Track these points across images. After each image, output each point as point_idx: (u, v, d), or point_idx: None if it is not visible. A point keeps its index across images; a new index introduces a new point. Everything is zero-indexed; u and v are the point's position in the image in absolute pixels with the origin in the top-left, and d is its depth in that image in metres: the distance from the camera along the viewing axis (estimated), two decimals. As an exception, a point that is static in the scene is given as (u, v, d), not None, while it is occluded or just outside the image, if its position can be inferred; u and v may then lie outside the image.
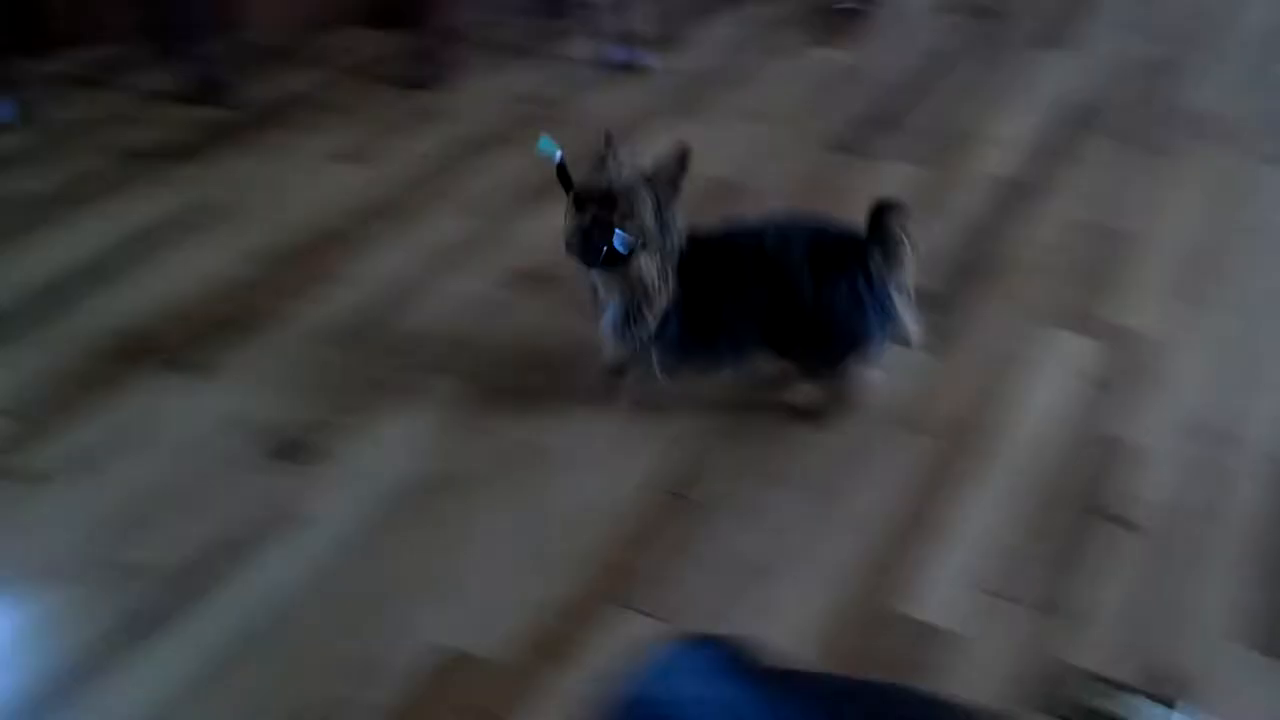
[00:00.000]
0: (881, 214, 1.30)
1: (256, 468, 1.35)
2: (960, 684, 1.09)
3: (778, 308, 1.31)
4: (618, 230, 1.24)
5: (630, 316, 1.32)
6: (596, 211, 1.25)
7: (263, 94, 2.28)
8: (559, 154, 1.27)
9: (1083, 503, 1.32)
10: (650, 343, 1.35)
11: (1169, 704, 1.06)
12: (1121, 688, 1.09)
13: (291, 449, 1.37)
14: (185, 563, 1.21)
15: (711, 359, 1.40)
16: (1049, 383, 1.52)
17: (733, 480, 1.34)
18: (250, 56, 2.42)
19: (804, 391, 1.45)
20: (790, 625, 1.15)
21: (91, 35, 2.40)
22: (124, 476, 1.33)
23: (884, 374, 1.42)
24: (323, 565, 1.22)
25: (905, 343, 1.36)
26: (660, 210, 1.27)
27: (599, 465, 1.36)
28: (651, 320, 1.31)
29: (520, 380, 1.50)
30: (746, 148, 2.11)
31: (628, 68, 2.42)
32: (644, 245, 1.27)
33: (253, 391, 1.47)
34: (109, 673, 1.10)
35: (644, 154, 1.31)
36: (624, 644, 1.12)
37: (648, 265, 1.28)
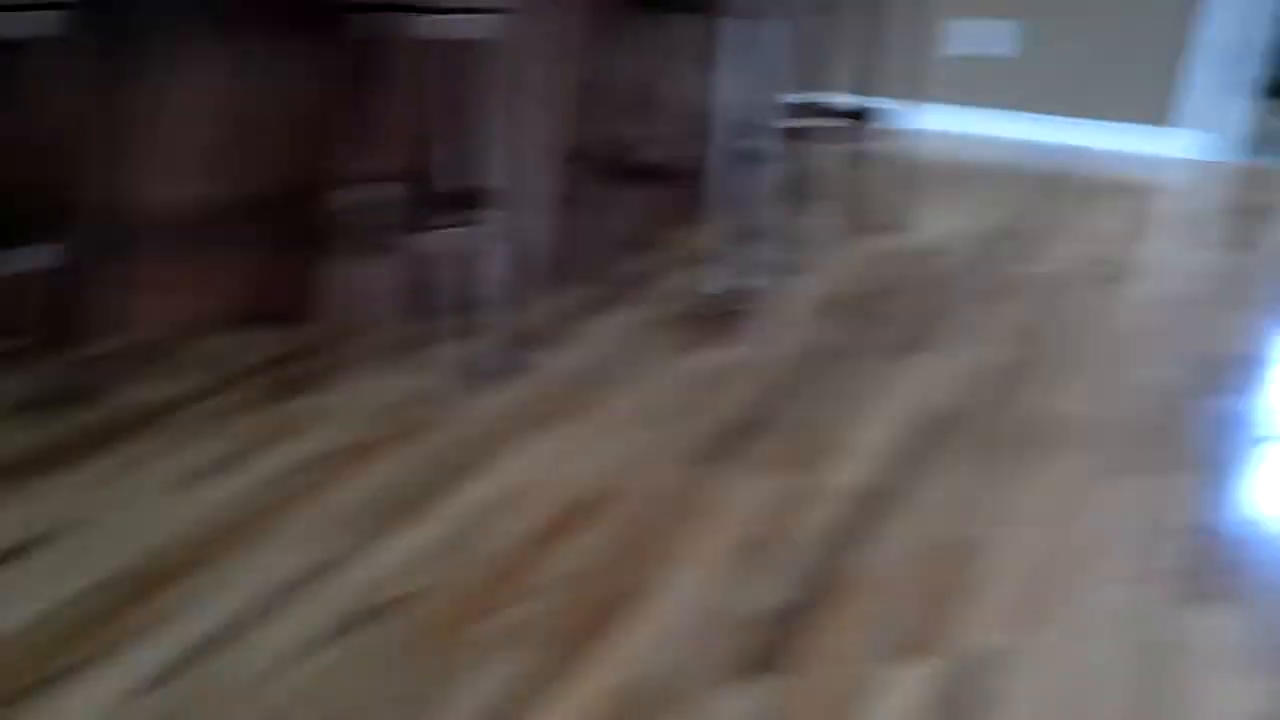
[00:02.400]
0: None
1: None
2: None
3: None
4: None
5: None
6: None
7: (126, 401, 2.28)
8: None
9: None
10: None
11: None
12: None
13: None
14: None
15: None
16: (893, 709, 1.49)
17: None
18: (123, 360, 2.44)
19: None
20: None
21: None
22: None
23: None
24: None
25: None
26: None
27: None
28: None
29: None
30: (611, 457, 2.13)
31: (505, 370, 2.46)
32: None
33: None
34: None
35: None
36: None
37: None
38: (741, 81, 3.38)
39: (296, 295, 2.58)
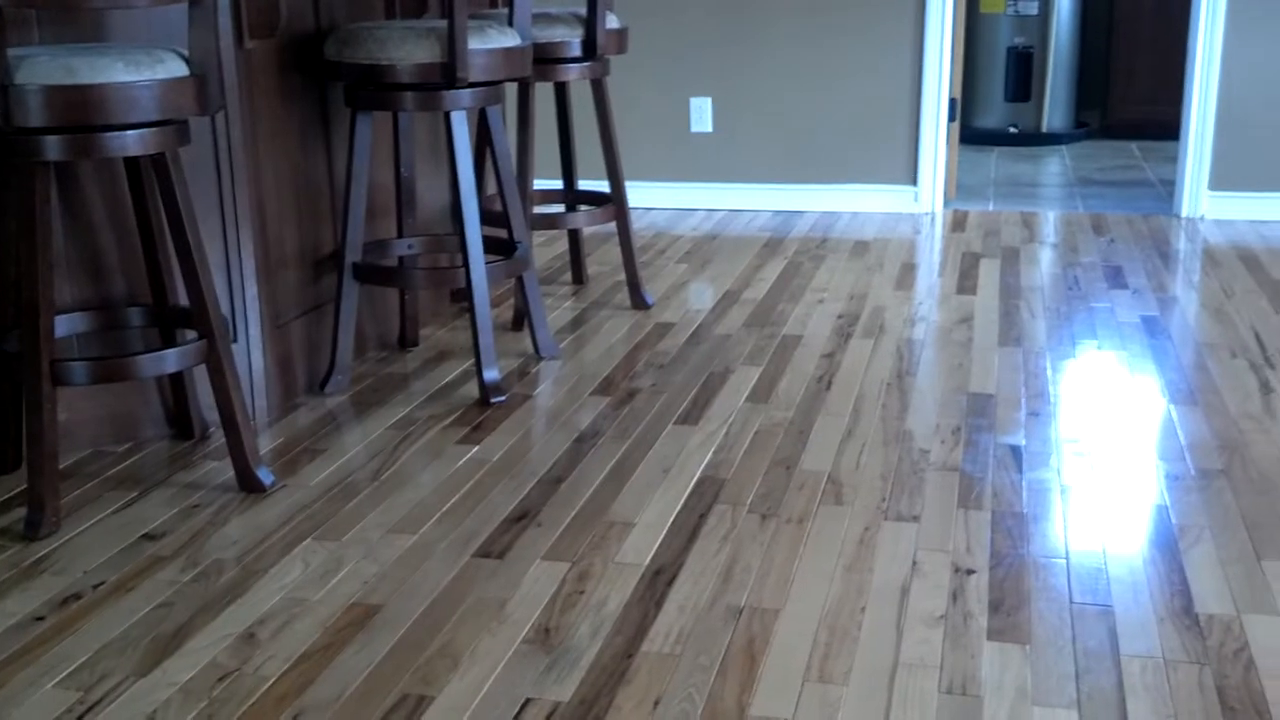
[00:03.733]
0: None
1: None
2: None
3: None
4: None
5: None
6: None
7: None
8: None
9: None
10: None
11: None
12: None
13: None
14: None
15: None
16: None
17: None
18: None
19: None
20: None
21: None
22: None
23: None
24: None
25: None
26: None
27: None
28: None
29: None
30: (384, 562, 2.05)
31: (263, 487, 2.34)
32: None
33: None
34: None
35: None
36: None
37: None
38: (482, 171, 3.38)
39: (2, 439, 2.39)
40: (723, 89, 4.66)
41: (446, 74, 2.66)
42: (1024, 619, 1.86)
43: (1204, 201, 4.38)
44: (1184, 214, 4.41)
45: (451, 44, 2.62)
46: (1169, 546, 2.09)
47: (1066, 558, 2.05)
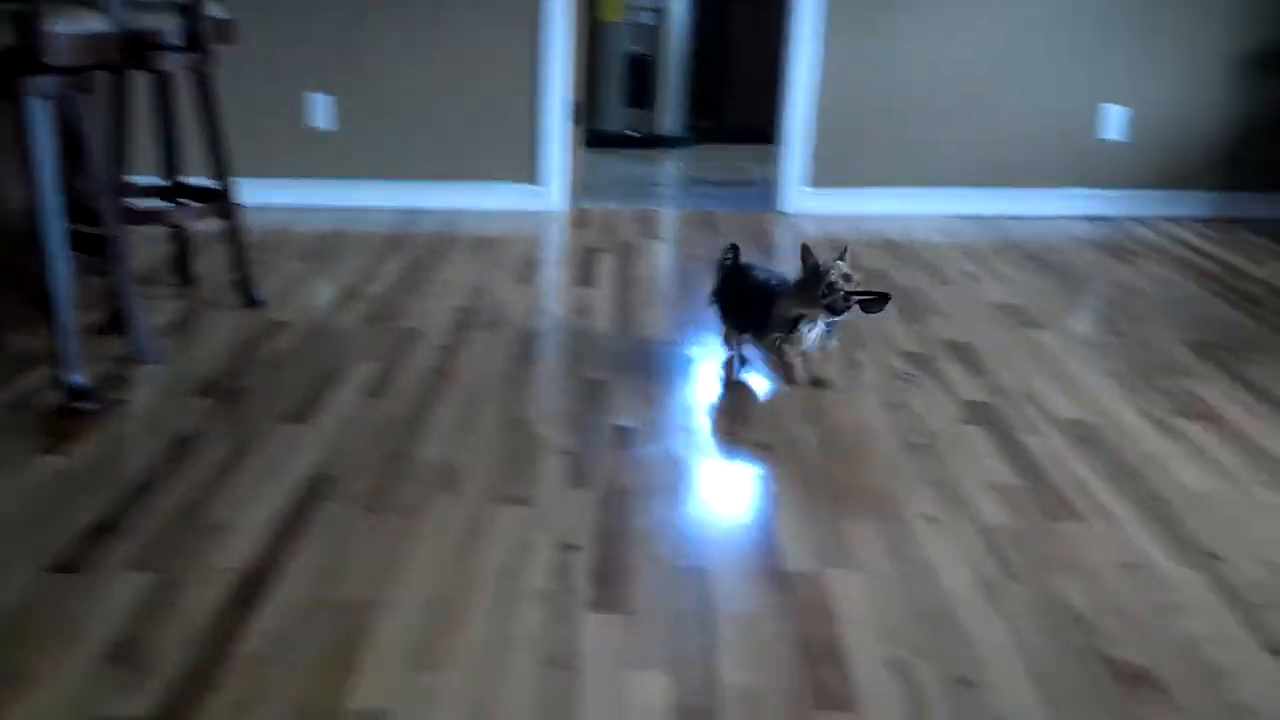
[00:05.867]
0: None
1: None
2: None
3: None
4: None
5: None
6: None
7: None
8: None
9: None
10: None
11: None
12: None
13: None
14: None
15: None
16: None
17: None
18: None
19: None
20: None
21: None
22: None
23: None
24: None
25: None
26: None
27: None
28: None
29: None
30: (-60, 588, 1.83)
31: None
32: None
33: None
34: None
35: None
36: None
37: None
38: (73, 166, 3.11)
39: None
40: (344, 85, 4.55)
41: (24, 58, 2.42)
42: (626, 589, 1.90)
43: (802, 198, 4.70)
44: (785, 210, 4.71)
45: (30, 25, 2.39)
46: (763, 511, 2.20)
47: (670, 528, 2.11)
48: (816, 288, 2.63)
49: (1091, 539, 2.13)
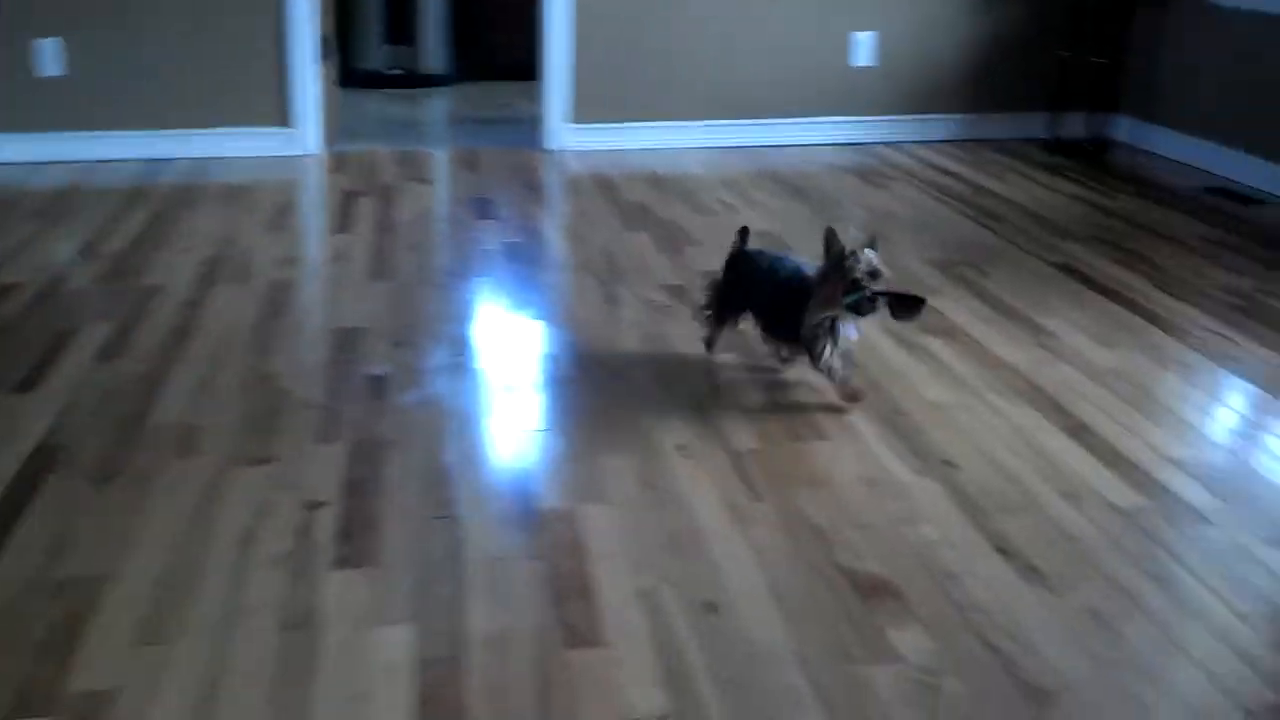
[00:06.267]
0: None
1: None
2: None
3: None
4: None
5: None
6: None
7: None
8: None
9: None
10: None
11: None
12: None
13: None
14: None
15: None
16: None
17: None
18: None
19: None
20: None
21: None
22: None
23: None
24: None
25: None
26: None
27: None
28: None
29: None
30: None
31: None
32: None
33: None
34: None
35: None
36: None
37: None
38: None
39: None
40: (73, 28, 4.24)
41: None
42: (372, 544, 1.86)
43: (566, 134, 4.66)
44: (550, 147, 4.66)
45: None
46: (519, 453, 2.19)
47: (422, 477, 2.07)
48: (839, 284, 2.25)
49: (835, 456, 2.20)
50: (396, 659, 1.58)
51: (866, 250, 2.27)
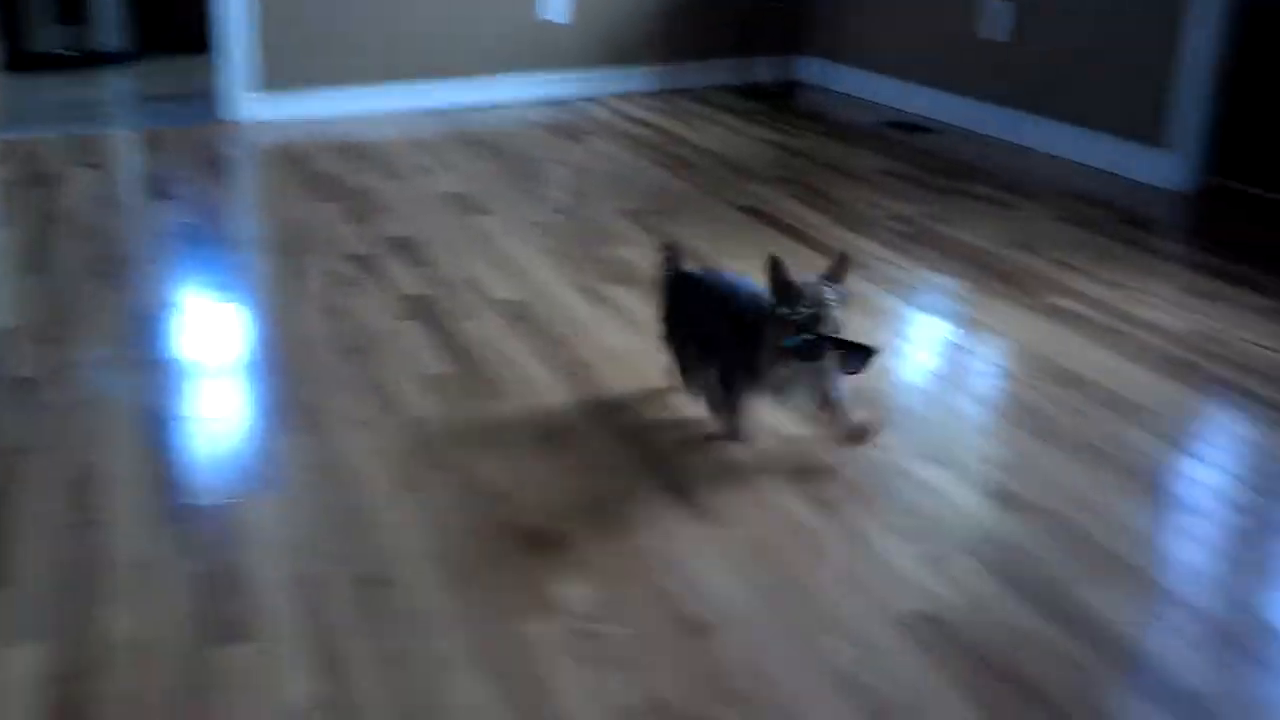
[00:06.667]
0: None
1: None
2: None
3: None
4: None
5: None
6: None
7: None
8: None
9: None
10: None
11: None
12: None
13: None
14: None
15: None
16: None
17: None
18: None
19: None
20: None
21: None
22: None
23: None
24: None
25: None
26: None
27: None
28: None
29: None
30: None
31: None
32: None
33: None
34: None
35: None
36: None
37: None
38: None
39: None
40: None
41: None
42: (7, 562, 1.71)
43: (253, 105, 4.45)
44: (235, 119, 4.44)
45: None
46: (182, 444, 2.07)
47: (66, 484, 1.93)
48: (781, 327, 1.89)
49: (513, 413, 2.17)
50: (28, 676, 1.46)
51: (821, 284, 1.91)
